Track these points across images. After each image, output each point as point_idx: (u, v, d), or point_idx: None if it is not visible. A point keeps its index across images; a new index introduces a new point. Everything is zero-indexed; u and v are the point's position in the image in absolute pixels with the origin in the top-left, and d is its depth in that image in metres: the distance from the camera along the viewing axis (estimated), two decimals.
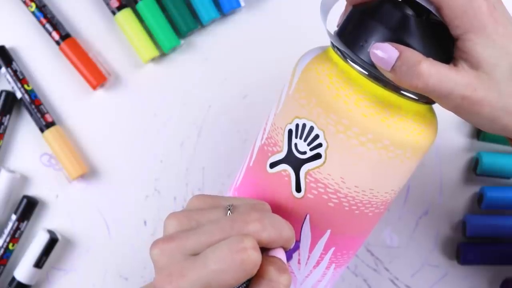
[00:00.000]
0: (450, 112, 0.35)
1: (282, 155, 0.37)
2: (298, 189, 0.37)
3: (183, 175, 0.55)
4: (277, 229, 0.33)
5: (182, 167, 0.55)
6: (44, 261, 0.54)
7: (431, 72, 0.33)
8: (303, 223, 0.37)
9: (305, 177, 0.36)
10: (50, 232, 0.54)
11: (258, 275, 0.32)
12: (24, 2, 0.53)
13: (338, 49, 0.36)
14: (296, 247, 0.38)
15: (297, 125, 0.36)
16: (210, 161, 0.55)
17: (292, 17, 0.54)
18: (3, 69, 0.53)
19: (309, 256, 0.39)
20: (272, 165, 0.38)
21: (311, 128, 0.35)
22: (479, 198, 0.55)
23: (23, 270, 0.53)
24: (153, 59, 0.54)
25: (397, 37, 0.34)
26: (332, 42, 0.37)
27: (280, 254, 0.33)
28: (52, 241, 0.54)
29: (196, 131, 0.55)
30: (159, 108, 0.55)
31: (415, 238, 0.55)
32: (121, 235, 0.55)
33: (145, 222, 0.55)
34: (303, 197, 0.37)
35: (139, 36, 0.53)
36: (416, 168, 0.54)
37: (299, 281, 0.40)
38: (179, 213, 0.35)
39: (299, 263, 0.39)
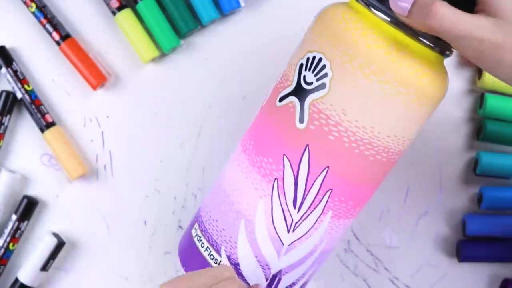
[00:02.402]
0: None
1: (291, 88, 0.39)
2: (302, 119, 0.38)
3: (183, 175, 0.55)
4: None
5: (182, 167, 0.55)
6: (51, 264, 0.54)
7: (446, 12, 0.33)
8: (302, 155, 0.38)
9: (309, 108, 0.37)
10: (56, 235, 0.54)
11: None
12: (25, 3, 0.53)
13: None
14: None
15: (307, 59, 0.38)
16: (210, 161, 0.55)
17: (292, 17, 0.54)
18: (4, 69, 0.53)
19: (305, 194, 0.39)
20: (281, 98, 0.39)
21: (320, 59, 0.37)
22: (478, 198, 0.55)
23: (28, 273, 0.53)
24: (153, 59, 0.54)
25: None
26: None
27: None
28: (59, 245, 0.54)
29: (196, 131, 0.55)
30: (159, 108, 0.55)
31: (415, 238, 0.55)
32: (121, 235, 0.55)
33: (145, 222, 0.55)
34: (305, 128, 0.38)
35: (139, 36, 0.53)
36: (416, 168, 0.54)
37: (294, 222, 0.40)
38: None
39: (294, 202, 0.39)
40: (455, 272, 0.56)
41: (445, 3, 0.34)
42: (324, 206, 0.39)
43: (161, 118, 0.55)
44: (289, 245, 0.40)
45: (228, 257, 0.42)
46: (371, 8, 0.36)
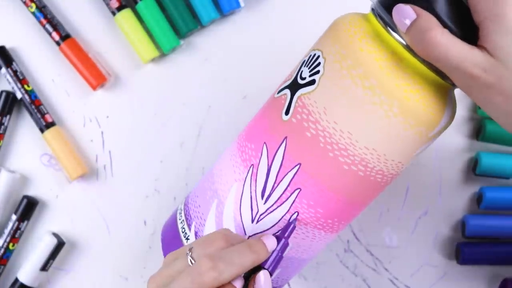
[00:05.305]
0: None
1: (289, 82, 0.40)
2: (287, 111, 0.39)
3: (183, 175, 0.55)
4: (237, 264, 0.34)
5: (182, 167, 0.55)
6: (51, 264, 0.54)
7: (441, 40, 0.33)
8: (279, 146, 0.38)
9: (296, 101, 0.38)
10: (56, 236, 0.54)
11: None
12: (24, 3, 0.53)
13: (377, 14, 0.37)
14: (279, 257, 0.38)
15: (310, 56, 0.39)
16: (210, 161, 0.55)
17: (292, 18, 0.54)
18: (3, 70, 0.53)
19: (274, 187, 0.39)
20: (279, 91, 0.40)
21: (318, 57, 0.38)
22: (478, 198, 0.55)
23: (28, 273, 0.53)
24: (153, 60, 0.54)
25: (428, 5, 0.34)
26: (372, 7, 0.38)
27: (262, 277, 0.36)
28: (59, 245, 0.54)
29: (196, 131, 0.55)
30: (159, 108, 0.55)
31: (414, 238, 0.55)
32: (121, 235, 0.55)
33: (145, 222, 0.55)
34: (288, 120, 0.38)
35: (139, 36, 0.53)
36: (415, 168, 0.54)
37: (259, 214, 0.40)
38: (155, 274, 0.37)
39: (263, 193, 0.39)
40: (454, 272, 0.56)
41: (445, 31, 0.33)
42: (291, 205, 0.39)
43: (161, 118, 0.55)
44: (250, 236, 0.40)
45: (196, 233, 0.42)
46: (388, 28, 0.36)
